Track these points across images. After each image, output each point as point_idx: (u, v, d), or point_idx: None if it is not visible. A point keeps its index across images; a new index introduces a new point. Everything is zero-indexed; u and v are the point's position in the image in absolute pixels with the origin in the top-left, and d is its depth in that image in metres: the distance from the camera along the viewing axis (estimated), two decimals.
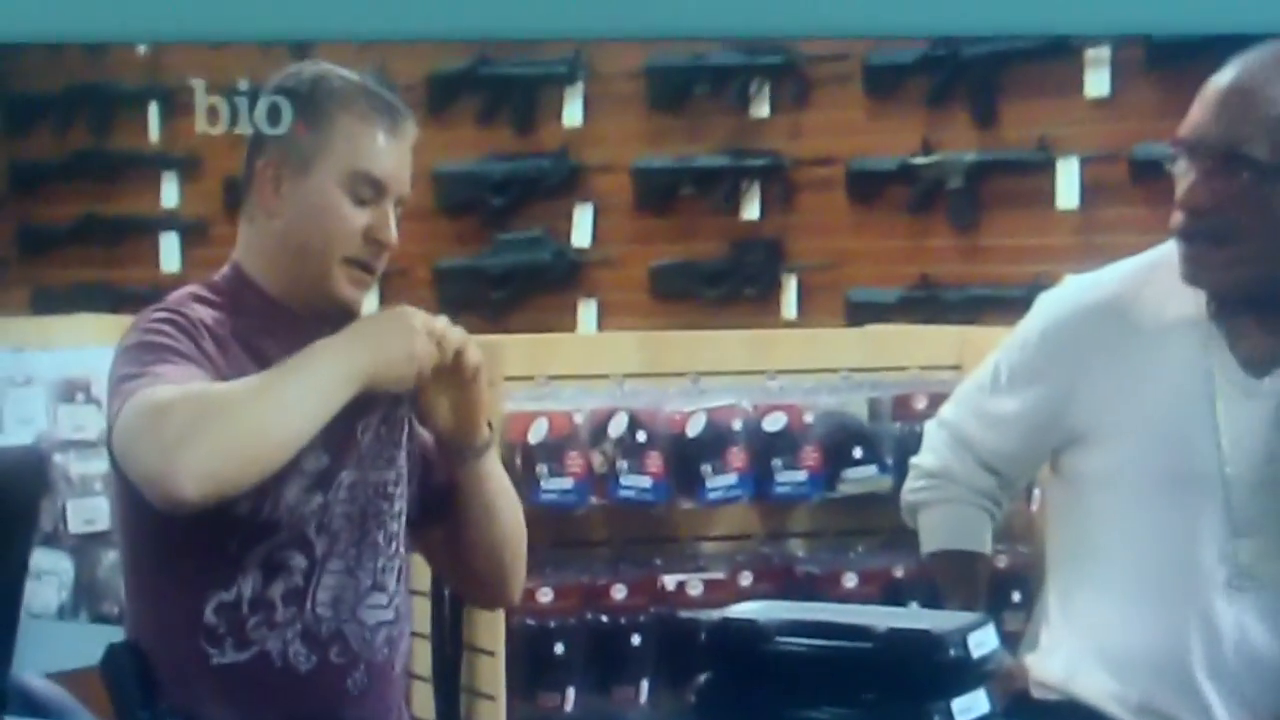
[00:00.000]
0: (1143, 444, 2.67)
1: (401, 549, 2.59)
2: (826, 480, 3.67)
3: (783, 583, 3.65)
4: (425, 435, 2.61)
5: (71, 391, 4.55)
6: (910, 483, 2.93)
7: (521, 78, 6.17)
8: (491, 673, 3.46)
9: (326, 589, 2.49)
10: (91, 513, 4.52)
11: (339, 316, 2.50)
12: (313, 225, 2.51)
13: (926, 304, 5.48)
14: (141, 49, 6.62)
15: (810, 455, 3.64)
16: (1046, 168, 5.33)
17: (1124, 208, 5.11)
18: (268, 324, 2.52)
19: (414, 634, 2.70)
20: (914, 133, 5.58)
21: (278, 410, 2.33)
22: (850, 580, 3.67)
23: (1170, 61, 4.97)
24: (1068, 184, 5.29)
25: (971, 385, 2.89)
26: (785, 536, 3.78)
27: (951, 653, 2.14)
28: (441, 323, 2.47)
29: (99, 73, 6.80)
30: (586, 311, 6.11)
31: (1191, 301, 2.68)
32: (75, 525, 4.53)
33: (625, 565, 3.61)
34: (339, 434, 2.46)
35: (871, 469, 3.68)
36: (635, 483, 3.54)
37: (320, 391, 2.36)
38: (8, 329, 4.95)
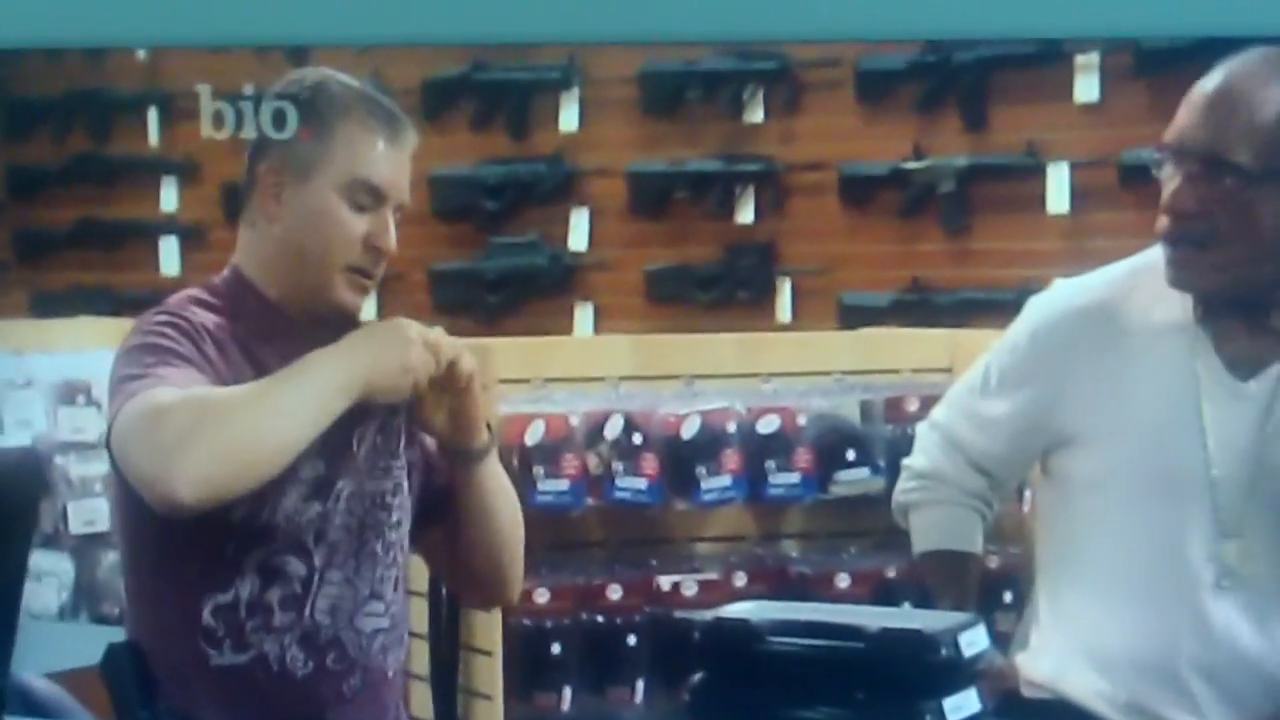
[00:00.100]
0: (1130, 446, 2.67)
1: (400, 558, 2.60)
2: (819, 482, 3.68)
3: (776, 583, 3.66)
4: (427, 439, 2.63)
5: (72, 394, 4.55)
6: (902, 484, 2.93)
7: (516, 83, 6.15)
8: (488, 673, 3.47)
9: (326, 598, 2.51)
10: (91, 514, 4.52)
11: (338, 322, 2.51)
12: (312, 232, 2.52)
13: (918, 307, 5.48)
14: (140, 54, 6.60)
15: (803, 457, 3.65)
16: (1036, 172, 5.33)
17: (1113, 212, 5.11)
18: (266, 328, 2.53)
19: (411, 634, 2.71)
20: (905, 138, 5.58)
21: (274, 417, 2.34)
22: (843, 581, 3.68)
23: (1159, 67, 4.98)
24: (1058, 188, 5.29)
25: (962, 387, 2.89)
26: (779, 538, 3.79)
27: (943, 652, 2.14)
28: (436, 333, 2.48)
29: (98, 78, 6.77)
30: (582, 315, 6.08)
31: (1178, 305, 2.68)
32: (75, 526, 4.54)
33: (621, 566, 3.63)
34: (335, 443, 2.47)
35: (864, 471, 3.70)
36: (630, 484, 3.55)
37: (316, 400, 2.37)
38: (7, 332, 4.94)
